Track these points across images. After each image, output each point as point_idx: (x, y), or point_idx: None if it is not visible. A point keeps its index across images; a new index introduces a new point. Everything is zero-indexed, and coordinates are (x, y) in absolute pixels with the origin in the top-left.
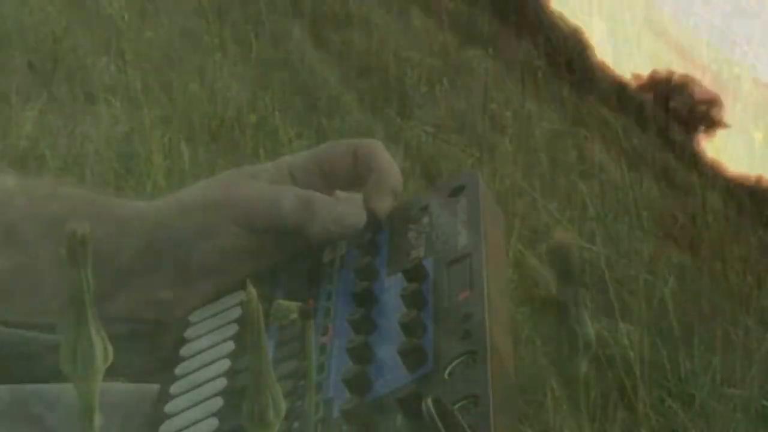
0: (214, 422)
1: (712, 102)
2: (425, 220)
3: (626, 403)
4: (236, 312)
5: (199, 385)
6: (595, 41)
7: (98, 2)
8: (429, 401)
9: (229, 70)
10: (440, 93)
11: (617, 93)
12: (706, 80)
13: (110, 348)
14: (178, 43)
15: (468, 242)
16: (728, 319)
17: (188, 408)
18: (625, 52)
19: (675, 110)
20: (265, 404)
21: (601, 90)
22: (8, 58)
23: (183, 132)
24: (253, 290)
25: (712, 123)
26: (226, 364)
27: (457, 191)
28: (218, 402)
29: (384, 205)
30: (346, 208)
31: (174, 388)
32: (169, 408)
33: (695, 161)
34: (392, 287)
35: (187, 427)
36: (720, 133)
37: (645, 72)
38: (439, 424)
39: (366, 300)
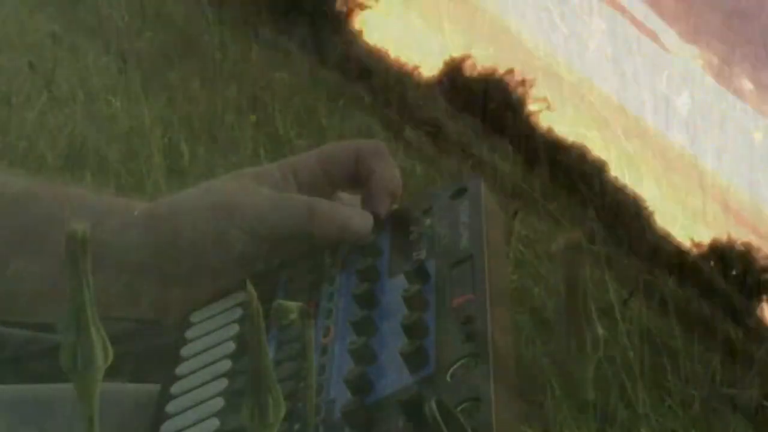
0: (214, 422)
1: None
2: (427, 222)
3: (626, 403)
4: (237, 312)
5: (200, 386)
6: (654, 207)
7: (98, 2)
8: (432, 403)
9: (229, 70)
10: None
11: (678, 261)
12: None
13: (110, 348)
14: (179, 42)
15: (470, 244)
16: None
17: (189, 408)
18: (684, 219)
19: (736, 279)
20: (265, 405)
21: (662, 258)
22: (8, 58)
23: (183, 132)
24: (253, 291)
25: None
26: (226, 364)
27: (459, 193)
28: (219, 402)
29: (382, 206)
30: (352, 215)
31: (175, 388)
32: (169, 408)
33: (758, 332)
34: (394, 289)
35: (188, 427)
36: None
37: (705, 239)
38: (442, 426)
39: (368, 301)
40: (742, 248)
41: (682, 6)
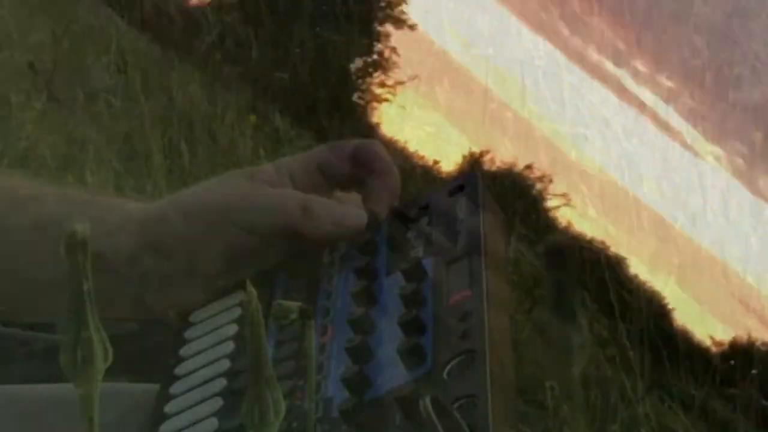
0: (214, 422)
1: None
2: (425, 220)
3: (626, 403)
4: (236, 312)
5: (199, 385)
6: (674, 304)
7: (98, 2)
8: (427, 400)
9: (229, 71)
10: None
11: (698, 359)
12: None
13: (110, 348)
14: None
15: (467, 242)
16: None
17: (188, 408)
18: (704, 317)
19: (757, 378)
20: (264, 404)
21: (682, 356)
22: (8, 58)
23: (183, 132)
24: (252, 290)
25: None
26: (225, 364)
27: (456, 191)
28: (218, 402)
29: (382, 205)
30: (346, 211)
31: (174, 388)
32: (169, 408)
33: None
34: (391, 287)
35: (187, 427)
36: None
37: (725, 337)
38: (437, 423)
39: (365, 300)
40: (763, 348)
41: (705, 106)
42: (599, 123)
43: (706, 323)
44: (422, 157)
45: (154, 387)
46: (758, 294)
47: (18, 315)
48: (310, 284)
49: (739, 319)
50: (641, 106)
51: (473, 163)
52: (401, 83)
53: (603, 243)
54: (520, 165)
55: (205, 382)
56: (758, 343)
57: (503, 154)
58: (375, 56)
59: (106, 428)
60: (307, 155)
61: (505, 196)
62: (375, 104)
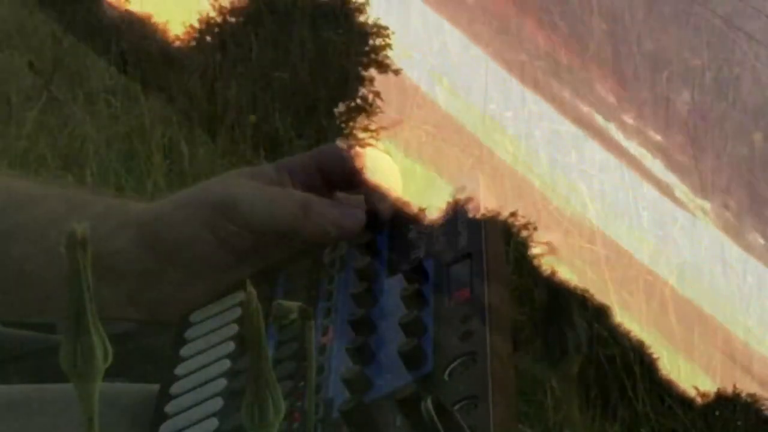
0: (214, 422)
1: None
2: (426, 220)
3: (626, 403)
4: (236, 312)
5: (200, 386)
6: (659, 353)
7: (98, 2)
8: (428, 402)
9: (229, 70)
10: None
11: (682, 410)
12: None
13: (110, 348)
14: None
15: (468, 243)
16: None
17: (188, 408)
18: (690, 367)
19: (742, 430)
20: (265, 404)
21: (665, 406)
22: (8, 58)
23: (183, 132)
24: (252, 290)
25: None
26: (226, 364)
27: (457, 192)
28: (218, 402)
29: (386, 206)
30: (344, 211)
31: (174, 389)
32: (169, 408)
33: None
34: (392, 288)
35: (187, 427)
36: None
37: (710, 389)
38: (439, 425)
39: (366, 300)
40: (748, 399)
41: (693, 160)
42: (589, 177)
43: (690, 375)
44: (406, 203)
45: (154, 387)
46: (743, 348)
47: (18, 315)
48: (310, 285)
49: (725, 373)
50: (632, 161)
51: (458, 210)
52: (384, 128)
53: (587, 292)
54: (505, 213)
55: (206, 382)
56: (743, 395)
57: (488, 201)
58: (358, 101)
59: (106, 428)
60: (307, 156)
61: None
62: (359, 149)
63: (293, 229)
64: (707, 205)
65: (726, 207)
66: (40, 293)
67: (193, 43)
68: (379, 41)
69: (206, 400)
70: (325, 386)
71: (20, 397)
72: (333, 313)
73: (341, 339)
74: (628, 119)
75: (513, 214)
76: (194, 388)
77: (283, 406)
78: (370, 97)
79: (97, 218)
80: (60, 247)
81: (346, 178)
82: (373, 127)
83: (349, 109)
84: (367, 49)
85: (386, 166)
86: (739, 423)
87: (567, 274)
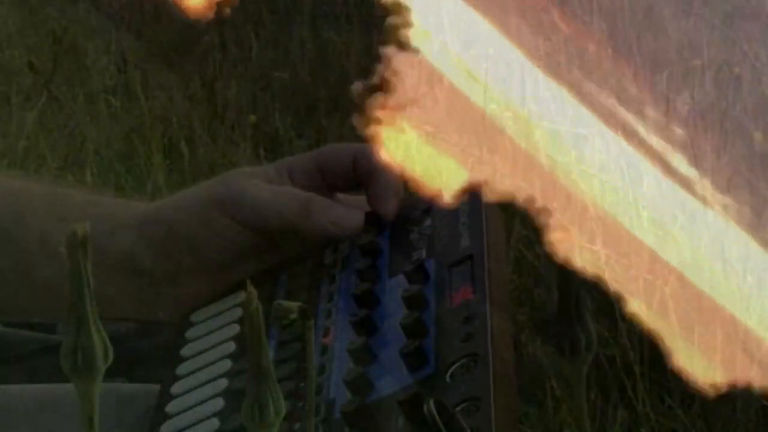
0: (214, 423)
1: None
2: (427, 221)
3: (626, 403)
4: (237, 312)
5: (200, 386)
6: (673, 345)
7: (98, 2)
8: (431, 403)
9: (229, 70)
10: None
11: (682, 410)
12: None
13: (110, 348)
14: (179, 43)
15: (469, 244)
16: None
17: (189, 408)
18: (704, 361)
19: (755, 424)
20: (265, 405)
21: (665, 406)
22: (8, 58)
23: (183, 132)
24: (253, 290)
25: None
26: (227, 364)
27: (459, 193)
28: (219, 402)
29: (390, 206)
30: (344, 210)
31: (175, 389)
32: (169, 408)
33: None
34: (394, 289)
35: (188, 427)
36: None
37: (723, 381)
38: (441, 427)
39: (367, 301)
40: (749, 399)
41: (716, 154)
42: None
43: (704, 368)
44: (420, 183)
45: (155, 387)
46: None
47: (19, 315)
48: (312, 285)
49: (742, 369)
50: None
51: (473, 194)
52: (401, 107)
53: (602, 279)
54: (522, 197)
55: (207, 382)
56: (756, 392)
57: (504, 185)
58: (376, 78)
59: (106, 428)
60: (307, 156)
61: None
62: (374, 126)
63: (294, 227)
64: (729, 201)
65: (747, 204)
66: (40, 294)
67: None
68: (400, 19)
69: (207, 400)
70: (326, 387)
71: (21, 397)
72: (334, 313)
73: (342, 340)
74: (653, 113)
75: (530, 199)
76: (195, 388)
77: (284, 406)
78: (388, 75)
79: (98, 218)
80: (60, 247)
81: (346, 180)
82: (389, 105)
83: (365, 87)
84: (386, 26)
85: (387, 167)
86: (739, 423)
87: (582, 259)
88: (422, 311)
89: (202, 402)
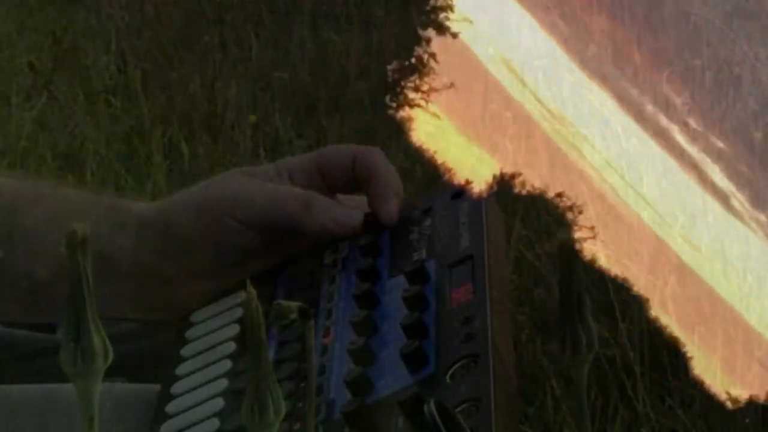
0: (215, 423)
1: None
2: (427, 222)
3: (626, 403)
4: (237, 312)
5: (200, 386)
6: (692, 353)
7: (98, 2)
8: (431, 404)
9: (229, 70)
10: None
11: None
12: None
13: (110, 348)
14: (179, 43)
15: (470, 244)
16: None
17: (189, 408)
18: (723, 371)
19: None
20: (265, 405)
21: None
22: (8, 58)
23: (183, 132)
24: (253, 291)
25: None
26: (227, 364)
27: (459, 194)
28: (219, 402)
29: (392, 207)
30: (344, 208)
31: (175, 389)
32: (170, 408)
33: None
34: (394, 289)
35: (188, 427)
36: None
37: (743, 395)
38: (441, 427)
39: (368, 302)
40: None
41: (751, 169)
42: (642, 170)
43: (723, 378)
44: (450, 170)
45: (155, 387)
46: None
47: (19, 315)
48: (312, 285)
49: (761, 381)
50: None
51: (503, 185)
52: (436, 90)
53: (626, 280)
54: (552, 192)
55: (207, 382)
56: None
57: (535, 179)
58: (413, 60)
59: (106, 428)
60: (307, 157)
61: (534, 220)
62: (407, 108)
63: (294, 225)
64: (763, 218)
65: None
66: (40, 294)
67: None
68: (440, 2)
69: (207, 400)
70: (326, 387)
71: (21, 397)
72: (334, 314)
73: (343, 340)
74: (693, 123)
75: (559, 195)
76: (195, 388)
77: (284, 406)
78: (425, 57)
79: (97, 218)
80: (60, 247)
81: (346, 181)
82: (424, 88)
83: (402, 68)
84: (427, 8)
85: (388, 169)
86: (739, 423)
87: (607, 261)
88: (422, 311)
89: (202, 402)
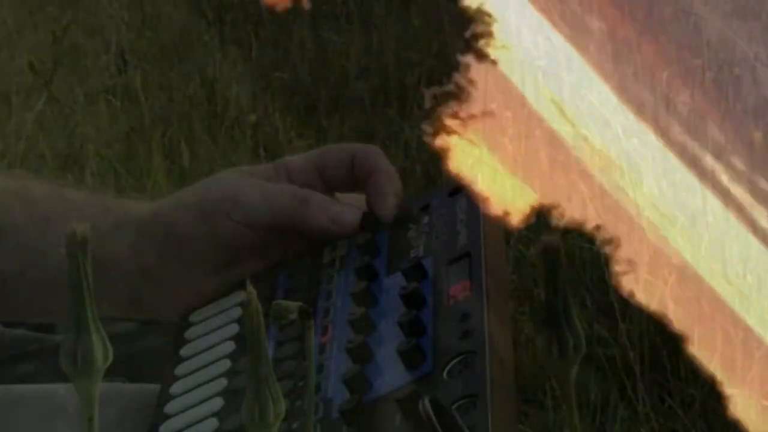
0: (214, 422)
1: None
2: (425, 219)
3: (626, 403)
4: (236, 312)
5: (200, 386)
6: (730, 392)
7: (98, 2)
8: (426, 401)
9: (229, 70)
10: None
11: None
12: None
13: (110, 348)
14: (179, 43)
15: (467, 242)
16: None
17: (188, 408)
18: (760, 410)
19: None
20: (264, 404)
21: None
22: (8, 58)
23: (183, 132)
24: (252, 290)
25: None
26: (226, 364)
27: (456, 191)
28: (218, 402)
29: (390, 206)
30: (342, 207)
31: (174, 389)
32: (169, 408)
33: None
34: (392, 287)
35: (187, 427)
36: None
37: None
38: (436, 424)
39: (365, 300)
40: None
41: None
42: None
43: (760, 417)
44: (487, 199)
45: (155, 387)
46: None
47: (18, 315)
48: (310, 284)
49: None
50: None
51: (541, 217)
52: (473, 117)
53: (665, 317)
54: (590, 224)
55: (206, 382)
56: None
57: (573, 211)
58: (451, 86)
59: (106, 428)
60: (306, 156)
61: (572, 253)
62: (443, 135)
63: (292, 224)
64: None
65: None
66: (40, 293)
67: None
68: (481, 28)
69: (206, 400)
70: (324, 386)
71: (21, 397)
72: (332, 312)
73: (341, 338)
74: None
75: (598, 227)
76: (194, 388)
77: (283, 406)
78: (464, 83)
79: (97, 218)
80: (60, 248)
81: (344, 180)
82: (462, 115)
83: (439, 94)
84: (467, 35)
85: (387, 168)
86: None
87: (646, 296)
88: (420, 309)
89: (201, 402)
